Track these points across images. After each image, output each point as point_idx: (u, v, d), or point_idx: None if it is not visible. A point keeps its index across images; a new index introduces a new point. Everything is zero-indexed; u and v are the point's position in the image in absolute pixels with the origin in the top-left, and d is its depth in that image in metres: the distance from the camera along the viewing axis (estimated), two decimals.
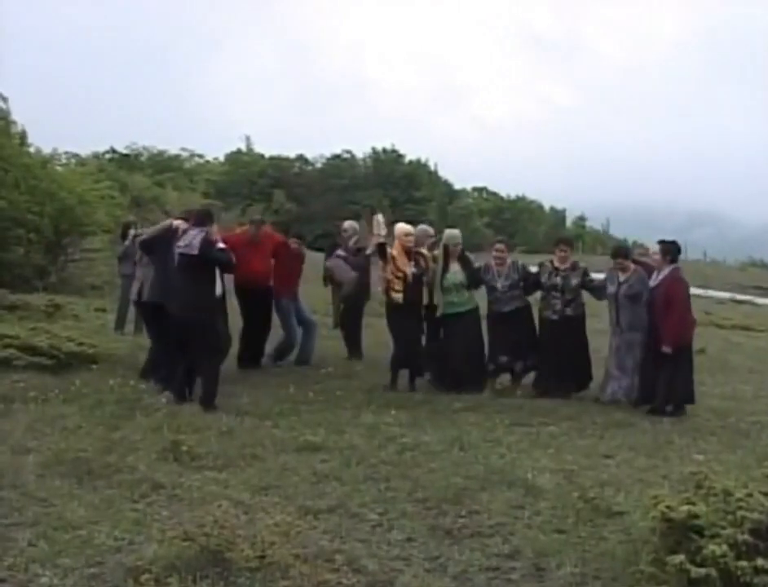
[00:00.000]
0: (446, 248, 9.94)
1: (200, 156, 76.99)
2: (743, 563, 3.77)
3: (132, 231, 14.05)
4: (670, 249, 9.36)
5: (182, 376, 8.42)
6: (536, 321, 10.01)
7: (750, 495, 4.12)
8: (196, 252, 8.20)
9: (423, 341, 10.04)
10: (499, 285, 9.89)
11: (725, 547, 3.82)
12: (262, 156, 73.44)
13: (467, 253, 10.21)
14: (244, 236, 10.71)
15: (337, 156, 76.03)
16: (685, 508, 4.08)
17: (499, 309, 9.92)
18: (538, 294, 10.16)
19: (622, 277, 9.59)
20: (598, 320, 11.41)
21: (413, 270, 9.65)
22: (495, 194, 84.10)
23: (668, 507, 4.11)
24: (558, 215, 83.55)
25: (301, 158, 74.71)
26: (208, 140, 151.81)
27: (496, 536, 5.01)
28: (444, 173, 79.84)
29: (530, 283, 10.05)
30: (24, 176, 20.08)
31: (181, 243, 8.36)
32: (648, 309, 9.31)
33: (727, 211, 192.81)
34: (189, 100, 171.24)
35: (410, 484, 5.92)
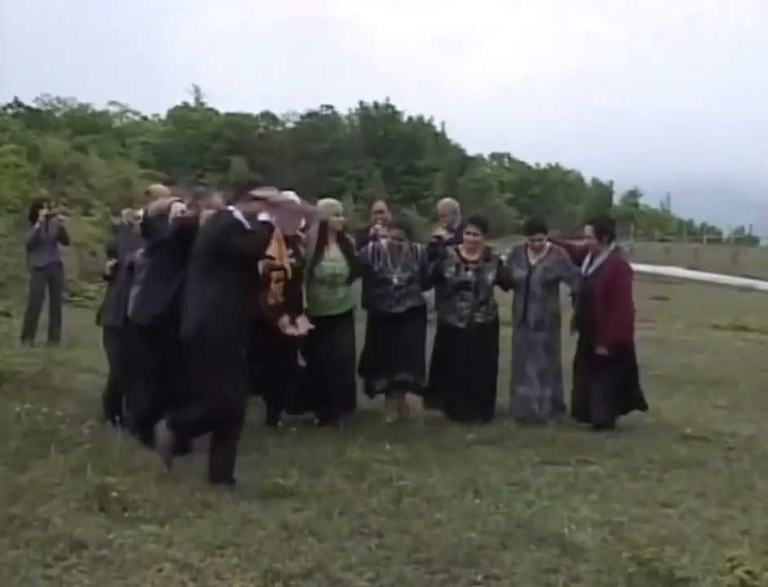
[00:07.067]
0: (323, 225, 9.26)
1: (135, 112, 77.61)
2: None
3: (44, 211, 14.06)
4: (606, 228, 9.59)
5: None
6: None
7: None
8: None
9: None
10: (395, 278, 9.55)
11: None
12: (216, 112, 73.72)
13: (348, 235, 9.73)
14: None
15: (314, 114, 76.36)
16: None
17: (389, 309, 9.59)
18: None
19: (534, 259, 9.65)
20: None
21: (292, 260, 8.93)
22: (520, 162, 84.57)
23: (747, 572, 4.13)
24: (604, 190, 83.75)
25: (267, 116, 75.01)
26: (145, 92, 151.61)
27: None
28: (454, 135, 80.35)
29: (430, 275, 9.76)
30: None
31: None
32: (581, 302, 9.45)
33: None
34: (119, 40, 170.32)
35: (410, 541, 5.92)
